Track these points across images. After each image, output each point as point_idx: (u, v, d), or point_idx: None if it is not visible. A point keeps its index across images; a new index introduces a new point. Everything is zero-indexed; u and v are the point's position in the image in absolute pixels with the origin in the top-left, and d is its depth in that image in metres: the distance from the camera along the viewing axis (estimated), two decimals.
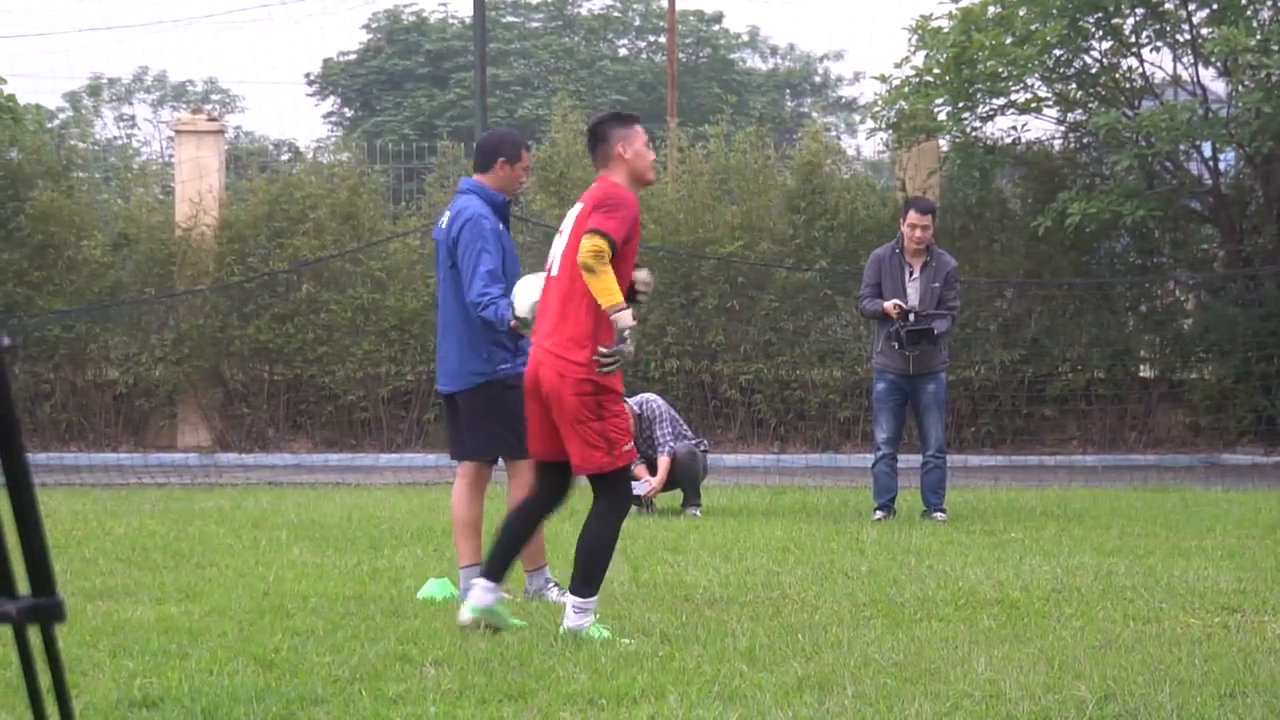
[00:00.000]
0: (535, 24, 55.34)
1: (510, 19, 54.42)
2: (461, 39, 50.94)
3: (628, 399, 15.25)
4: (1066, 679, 6.63)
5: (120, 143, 57.15)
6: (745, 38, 60.05)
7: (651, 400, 15.29)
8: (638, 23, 57.26)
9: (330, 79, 55.37)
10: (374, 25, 54.53)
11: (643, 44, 58.04)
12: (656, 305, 22.98)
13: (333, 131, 51.96)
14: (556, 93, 28.56)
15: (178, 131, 26.30)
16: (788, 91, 61.00)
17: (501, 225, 9.33)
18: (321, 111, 56.78)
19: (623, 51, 57.37)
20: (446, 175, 25.51)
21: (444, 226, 9.37)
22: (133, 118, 62.55)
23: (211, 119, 26.57)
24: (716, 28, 57.00)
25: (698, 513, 14.69)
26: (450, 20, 54.16)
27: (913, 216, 14.21)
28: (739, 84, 52.21)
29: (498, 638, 7.70)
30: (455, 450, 9.56)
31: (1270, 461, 22.21)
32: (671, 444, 14.91)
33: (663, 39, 51.27)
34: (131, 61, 78.65)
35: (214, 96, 62.33)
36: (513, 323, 8.92)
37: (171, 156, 29.04)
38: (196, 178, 24.97)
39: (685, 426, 15.46)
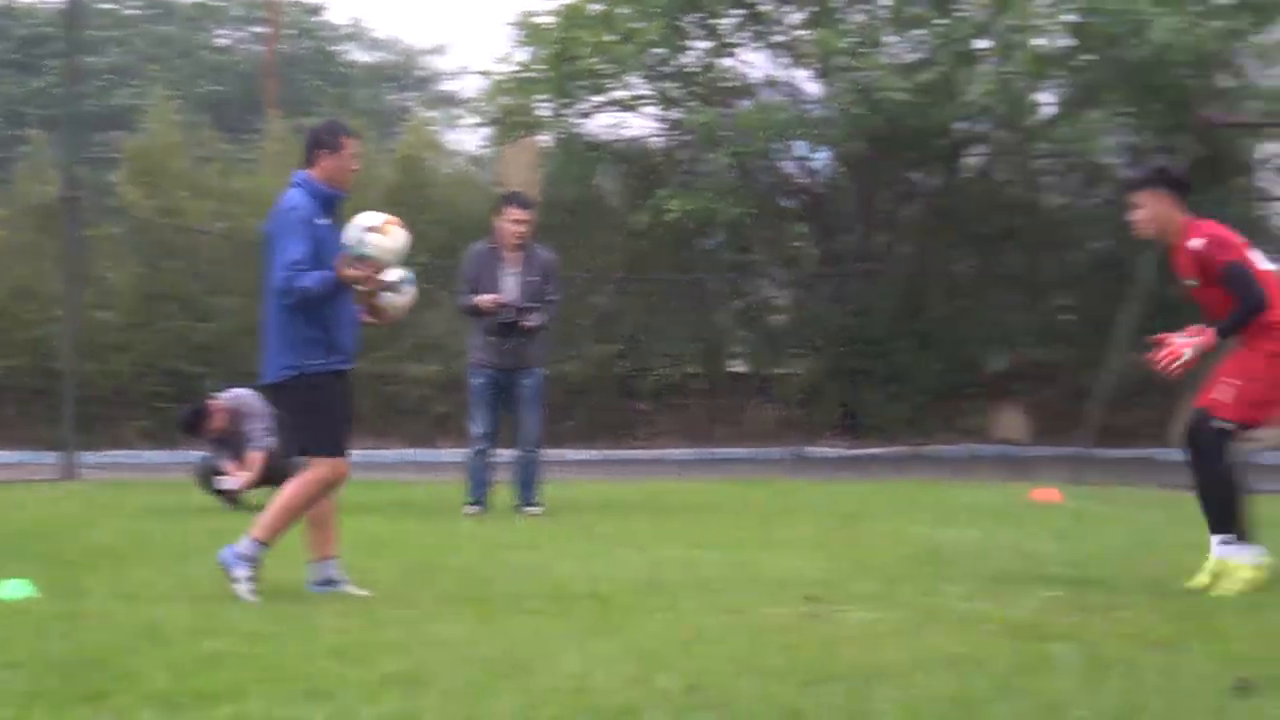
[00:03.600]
0: (132, 10, 53.98)
1: (105, 5, 52.98)
2: (54, 25, 49.45)
3: (219, 394, 15.04)
4: (654, 671, 6.67)
5: None
6: (349, 30, 59.53)
7: (244, 395, 15.11)
8: (237, 12, 56.30)
9: None
10: None
11: (243, 34, 57.10)
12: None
13: None
14: (153, 82, 27.92)
15: None
16: (392, 85, 60.64)
17: (326, 218, 9.09)
18: None
19: (222, 41, 56.34)
20: (36, 165, 24.75)
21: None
22: None
23: None
24: (317, 19, 56.35)
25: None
26: (41, 4, 52.54)
27: (513, 212, 14.25)
28: (342, 76, 51.72)
29: (75, 639, 7.43)
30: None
31: (853, 454, 22.82)
32: (265, 439, 14.77)
33: (264, 29, 50.59)
34: None
35: None
36: (353, 271, 8.78)
37: None
38: None
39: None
